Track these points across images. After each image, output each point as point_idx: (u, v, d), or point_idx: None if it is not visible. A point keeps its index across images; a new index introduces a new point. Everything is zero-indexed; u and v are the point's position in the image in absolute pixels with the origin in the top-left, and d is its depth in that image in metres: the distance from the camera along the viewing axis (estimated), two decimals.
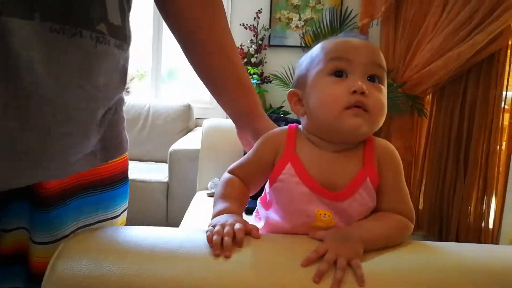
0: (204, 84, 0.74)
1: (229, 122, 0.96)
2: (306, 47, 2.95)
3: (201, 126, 2.38)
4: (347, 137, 0.57)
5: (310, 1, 2.98)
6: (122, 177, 0.66)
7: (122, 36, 0.54)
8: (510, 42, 2.42)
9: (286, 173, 0.58)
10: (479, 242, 2.61)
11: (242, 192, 0.62)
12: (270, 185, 0.61)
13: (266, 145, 0.62)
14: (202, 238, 0.51)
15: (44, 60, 0.43)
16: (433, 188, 2.70)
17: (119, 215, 0.67)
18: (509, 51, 2.45)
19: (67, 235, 0.56)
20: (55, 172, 0.52)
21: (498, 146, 2.55)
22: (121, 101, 0.63)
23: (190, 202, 1.95)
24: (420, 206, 2.80)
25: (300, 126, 0.64)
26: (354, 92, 0.54)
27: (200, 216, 1.66)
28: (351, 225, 0.56)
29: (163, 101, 3.04)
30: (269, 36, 3.04)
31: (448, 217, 2.64)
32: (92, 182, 0.60)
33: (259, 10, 2.97)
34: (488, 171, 2.55)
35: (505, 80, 2.49)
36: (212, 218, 0.57)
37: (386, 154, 0.60)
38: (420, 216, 2.79)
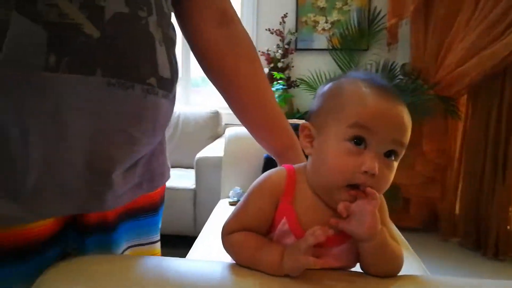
0: (242, 123, 0.78)
1: None
2: (333, 49, 2.91)
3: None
4: (334, 205, 0.52)
5: (337, 3, 2.94)
6: (161, 201, 0.72)
7: (169, 87, 0.59)
8: None
9: (280, 229, 0.54)
10: None
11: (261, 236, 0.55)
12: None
13: (264, 195, 0.55)
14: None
15: (99, 110, 0.49)
16: (470, 193, 2.59)
17: (159, 240, 0.72)
18: None
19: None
20: (106, 204, 0.56)
21: None
22: (164, 135, 0.67)
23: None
24: (456, 211, 2.69)
25: (298, 166, 0.58)
26: (365, 172, 0.49)
27: (221, 226, 1.67)
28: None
29: (192, 109, 3.08)
30: (296, 40, 3.02)
31: (487, 223, 2.51)
32: (136, 209, 0.65)
33: (284, 15, 2.96)
34: None
35: None
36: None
37: None
38: (456, 222, 2.68)
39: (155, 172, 0.66)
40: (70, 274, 0.50)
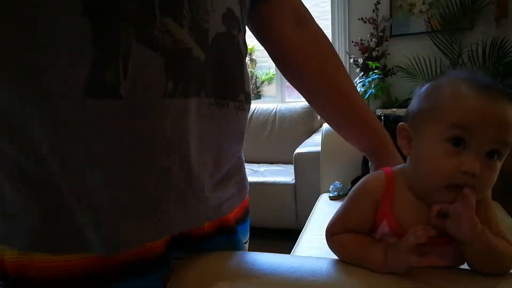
0: (328, 123, 0.77)
1: None
2: (433, 32, 2.75)
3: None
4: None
5: None
6: (248, 210, 0.74)
7: (250, 101, 0.63)
8: None
9: (381, 231, 0.55)
10: None
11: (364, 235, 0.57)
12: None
13: (365, 200, 0.57)
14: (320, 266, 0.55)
15: (200, 129, 0.51)
16: None
17: (248, 241, 0.74)
18: None
19: None
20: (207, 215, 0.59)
21: None
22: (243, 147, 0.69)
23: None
24: None
25: (396, 168, 0.58)
26: (465, 172, 0.48)
27: (324, 220, 1.69)
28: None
29: (287, 105, 3.14)
30: (390, 26, 2.91)
31: None
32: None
33: (377, 1, 2.86)
34: None
35: None
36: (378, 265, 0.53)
37: None
38: None
39: (242, 183, 0.68)
40: (200, 269, 0.57)
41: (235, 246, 0.66)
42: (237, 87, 0.57)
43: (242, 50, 0.58)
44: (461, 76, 0.53)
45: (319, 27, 0.74)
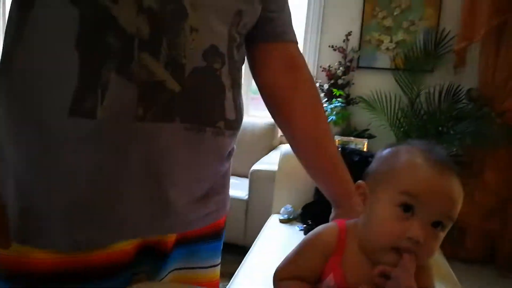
0: (303, 165, 0.79)
1: None
2: (396, 69, 2.87)
3: (285, 143, 2.43)
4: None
5: (404, 23, 2.90)
6: (224, 228, 0.76)
7: (235, 126, 0.66)
8: None
9: (326, 283, 0.57)
10: None
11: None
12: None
13: (315, 251, 0.59)
14: None
15: (175, 150, 0.56)
16: None
17: (207, 267, 0.74)
18: None
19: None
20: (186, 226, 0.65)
21: None
22: (230, 166, 0.73)
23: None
24: None
25: (350, 222, 0.60)
26: (410, 238, 0.51)
27: (271, 245, 1.71)
28: None
29: (250, 119, 3.15)
30: (358, 58, 3.01)
31: None
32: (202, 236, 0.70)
33: (348, 33, 2.96)
34: None
35: None
36: None
37: None
38: None
39: (224, 202, 0.72)
40: None
41: (189, 260, 0.69)
42: (216, 115, 0.61)
43: (224, 82, 0.61)
44: (419, 147, 0.56)
45: (309, 73, 0.77)
